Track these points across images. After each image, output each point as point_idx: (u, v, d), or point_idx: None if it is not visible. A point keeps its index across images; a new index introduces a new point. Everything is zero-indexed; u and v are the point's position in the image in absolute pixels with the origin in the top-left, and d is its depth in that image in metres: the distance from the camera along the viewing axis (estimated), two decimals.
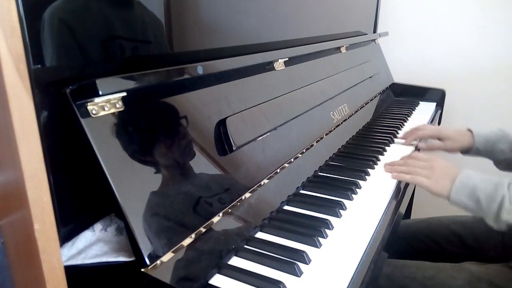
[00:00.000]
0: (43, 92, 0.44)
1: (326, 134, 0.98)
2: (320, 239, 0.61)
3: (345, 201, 0.73)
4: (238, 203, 0.63)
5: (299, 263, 0.55)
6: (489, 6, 1.59)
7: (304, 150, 0.86)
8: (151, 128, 0.55)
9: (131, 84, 0.51)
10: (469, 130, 1.04)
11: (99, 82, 0.45)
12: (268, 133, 0.77)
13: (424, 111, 1.49)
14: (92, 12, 0.50)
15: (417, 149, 1.08)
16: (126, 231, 0.53)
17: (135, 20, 0.57)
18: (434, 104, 1.58)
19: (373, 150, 1.01)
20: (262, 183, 0.70)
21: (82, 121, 0.46)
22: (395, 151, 1.04)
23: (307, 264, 0.56)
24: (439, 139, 1.09)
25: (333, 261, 0.57)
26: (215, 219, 0.58)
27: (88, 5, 0.49)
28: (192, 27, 0.69)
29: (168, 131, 0.57)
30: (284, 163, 0.78)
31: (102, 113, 0.48)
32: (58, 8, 0.45)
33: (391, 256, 0.98)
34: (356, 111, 1.21)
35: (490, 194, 0.71)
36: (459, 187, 0.74)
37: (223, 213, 0.60)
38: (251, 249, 0.58)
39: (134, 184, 0.50)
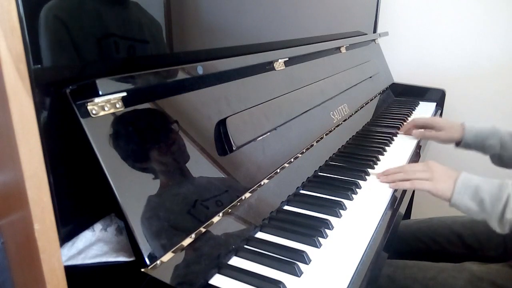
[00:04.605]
0: (43, 92, 0.44)
1: (326, 134, 0.98)
2: (320, 239, 0.61)
3: (345, 201, 0.73)
4: (238, 203, 0.63)
5: (299, 263, 0.55)
6: (489, 6, 1.59)
7: (304, 150, 0.86)
8: (151, 128, 0.55)
9: (131, 84, 0.51)
10: (462, 125, 1.07)
11: (99, 82, 0.46)
12: (268, 133, 0.77)
13: (424, 111, 1.49)
14: (89, 10, 0.50)
15: (417, 148, 1.09)
16: (126, 231, 0.53)
17: (136, 19, 0.57)
18: (434, 104, 1.58)
19: (373, 150, 1.01)
20: (262, 183, 0.70)
21: (82, 121, 0.46)
22: (395, 151, 1.04)
23: (307, 264, 0.56)
24: (433, 128, 1.12)
25: (333, 261, 0.57)
26: (215, 219, 0.58)
27: (84, 2, 0.49)
28: (192, 27, 0.69)
29: (168, 131, 0.57)
30: (284, 163, 0.78)
31: (102, 113, 0.48)
32: (53, 5, 0.45)
33: (392, 256, 0.98)
34: (356, 111, 1.21)
35: (495, 194, 0.69)
36: (462, 188, 0.72)
37: (223, 213, 0.59)
38: (251, 249, 0.58)
39: (134, 184, 0.49)
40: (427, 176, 0.78)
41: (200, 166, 0.60)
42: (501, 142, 0.99)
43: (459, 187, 0.73)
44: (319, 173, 0.87)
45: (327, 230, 0.64)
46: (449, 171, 0.78)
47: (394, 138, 1.14)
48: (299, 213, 0.70)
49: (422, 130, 1.15)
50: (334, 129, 1.03)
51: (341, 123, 1.08)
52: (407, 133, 1.18)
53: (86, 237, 0.53)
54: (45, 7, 0.44)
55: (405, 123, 1.27)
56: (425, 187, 0.77)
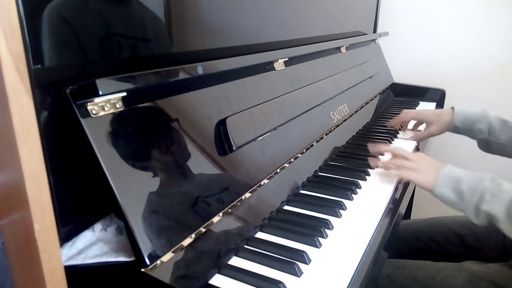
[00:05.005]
0: (43, 92, 0.44)
1: (326, 134, 0.98)
2: (320, 239, 0.61)
3: (345, 201, 0.73)
4: (238, 203, 0.63)
5: (299, 263, 0.55)
6: (489, 6, 1.59)
7: (304, 150, 0.86)
8: (151, 128, 0.55)
9: (131, 84, 0.51)
10: (452, 108, 1.07)
11: (99, 82, 0.45)
12: (268, 133, 0.77)
13: None
14: (92, 9, 0.50)
15: (417, 149, 1.09)
16: (126, 231, 0.53)
17: (136, 19, 0.57)
18: (434, 104, 1.58)
19: None
20: (262, 183, 0.70)
21: (82, 121, 0.46)
22: None
23: (307, 264, 0.56)
24: (423, 123, 1.15)
25: (333, 261, 0.57)
26: (215, 219, 0.58)
27: (87, 2, 0.49)
28: (192, 27, 0.69)
29: (168, 131, 0.57)
30: (284, 163, 0.78)
31: (102, 113, 0.48)
32: (57, 4, 0.45)
33: (391, 256, 0.98)
34: (356, 111, 1.21)
35: (473, 186, 0.71)
36: (443, 179, 0.75)
37: (223, 213, 0.59)
38: (251, 249, 0.58)
39: (134, 184, 0.50)
40: (413, 166, 0.80)
41: (200, 166, 0.60)
42: (489, 127, 1.00)
43: (441, 178, 0.75)
44: (319, 173, 0.87)
45: (327, 230, 0.64)
46: (435, 163, 0.80)
47: (394, 138, 1.14)
48: (299, 213, 0.70)
49: (418, 132, 1.17)
50: (334, 129, 1.03)
51: (341, 123, 1.08)
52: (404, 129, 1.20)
53: (86, 237, 0.53)
54: (49, 6, 0.44)
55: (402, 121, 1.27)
56: (410, 177, 0.80)
